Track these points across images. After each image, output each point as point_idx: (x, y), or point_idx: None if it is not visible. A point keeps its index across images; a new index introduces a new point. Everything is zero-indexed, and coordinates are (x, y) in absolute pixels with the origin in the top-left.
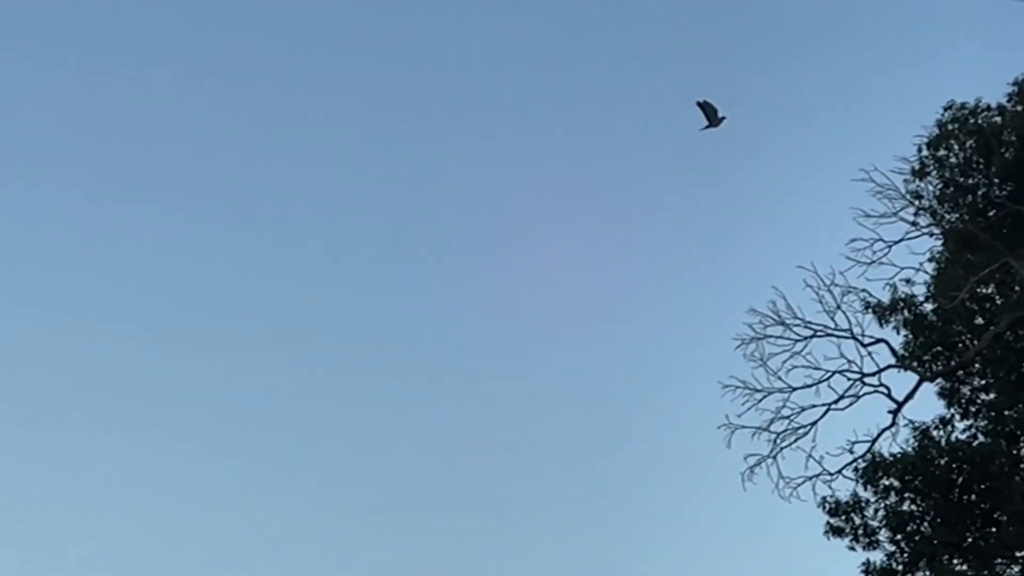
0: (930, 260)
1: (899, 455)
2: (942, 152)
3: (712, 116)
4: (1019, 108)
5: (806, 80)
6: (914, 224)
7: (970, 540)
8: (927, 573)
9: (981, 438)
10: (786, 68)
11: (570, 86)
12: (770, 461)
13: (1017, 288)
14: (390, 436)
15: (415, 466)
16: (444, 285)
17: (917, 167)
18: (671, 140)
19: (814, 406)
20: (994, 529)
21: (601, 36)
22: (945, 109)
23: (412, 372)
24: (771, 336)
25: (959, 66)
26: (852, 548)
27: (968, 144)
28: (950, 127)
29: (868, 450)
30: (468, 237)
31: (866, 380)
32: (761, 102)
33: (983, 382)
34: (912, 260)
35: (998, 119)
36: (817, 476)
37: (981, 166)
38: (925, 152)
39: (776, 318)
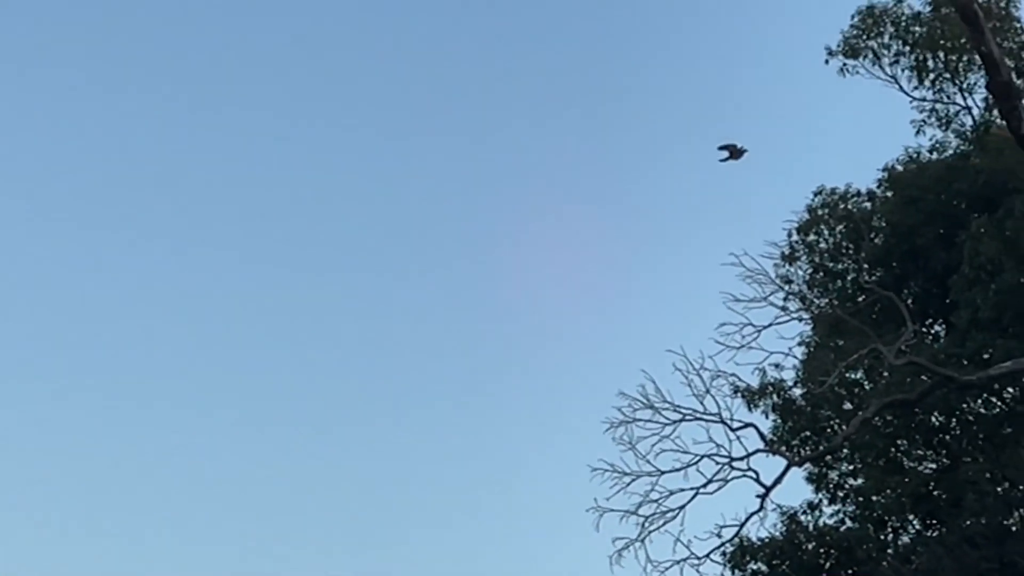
0: (799, 344)
1: (767, 539)
2: (812, 237)
3: (734, 151)
4: (888, 194)
5: (677, 163)
6: (784, 309)
7: None
8: None
9: (849, 523)
10: (659, 150)
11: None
12: (638, 545)
13: (885, 373)
14: None
15: None
16: None
17: (787, 252)
18: (541, 222)
19: (683, 490)
20: None
21: None
22: (815, 194)
23: None
24: (640, 420)
25: (830, 152)
26: None
27: (838, 229)
28: (820, 212)
29: (736, 534)
30: None
31: (734, 464)
32: (634, 184)
33: (851, 467)
34: (781, 345)
35: (868, 205)
36: (685, 560)
37: (851, 251)
38: (795, 237)
39: (645, 402)
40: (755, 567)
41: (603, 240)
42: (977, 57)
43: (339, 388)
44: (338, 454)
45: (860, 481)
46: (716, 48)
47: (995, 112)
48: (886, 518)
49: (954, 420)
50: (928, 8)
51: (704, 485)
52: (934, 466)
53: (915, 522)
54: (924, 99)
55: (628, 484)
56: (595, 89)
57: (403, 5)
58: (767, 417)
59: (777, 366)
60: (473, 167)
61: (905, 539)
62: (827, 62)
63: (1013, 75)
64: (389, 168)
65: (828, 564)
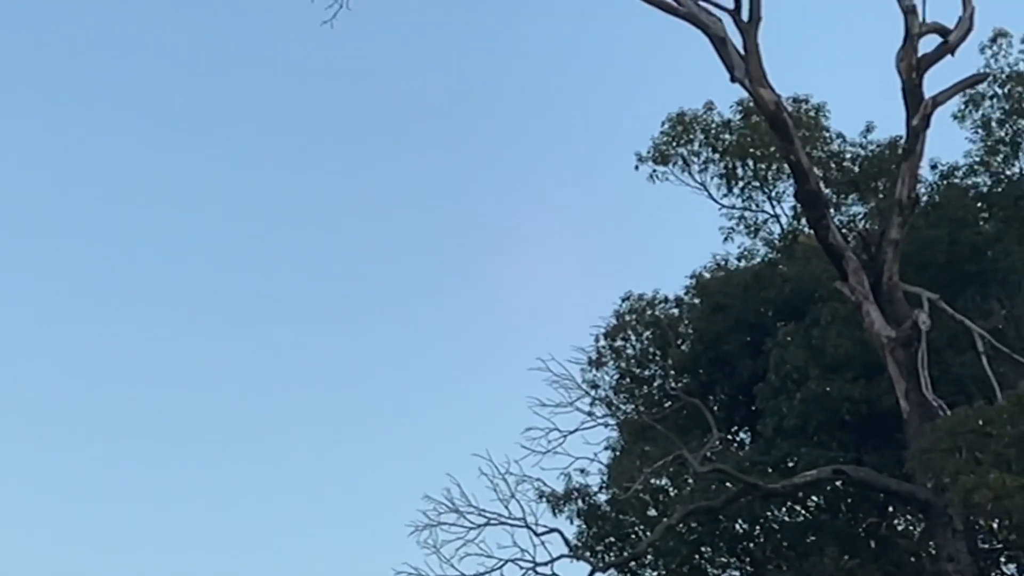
0: (605, 450)
1: None
2: (620, 343)
3: None
4: (696, 301)
5: (487, 266)
6: (590, 414)
7: None
8: None
9: None
10: (469, 250)
11: None
12: None
13: (690, 480)
14: None
15: None
16: None
17: (594, 357)
18: (346, 323)
19: None
20: None
21: None
22: (623, 300)
23: None
24: (445, 523)
25: (639, 258)
26: None
27: (645, 335)
28: (628, 318)
29: None
30: None
31: (539, 570)
32: (441, 285)
33: (655, 574)
34: (587, 450)
35: (675, 311)
36: None
37: (658, 357)
38: (603, 342)
39: (450, 505)
40: None
41: (413, 341)
42: (786, 165)
43: None
44: None
45: None
46: (524, 150)
47: (803, 220)
48: None
49: (758, 528)
50: (738, 116)
51: None
52: (738, 574)
53: None
54: (733, 206)
55: None
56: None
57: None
58: (572, 522)
59: (583, 471)
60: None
61: None
62: (637, 168)
63: (821, 184)
64: None
65: None
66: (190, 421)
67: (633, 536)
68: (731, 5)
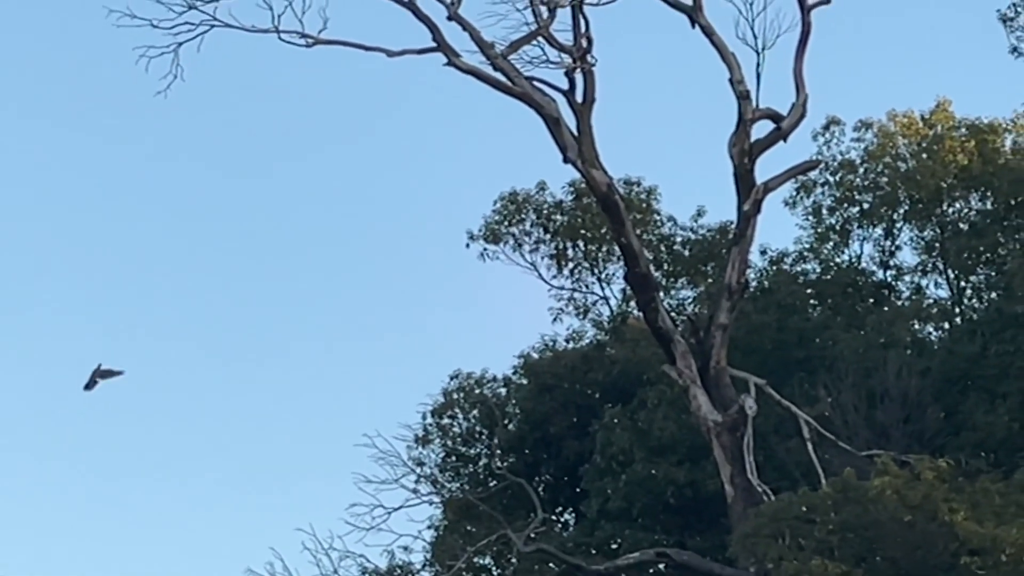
0: (429, 528)
1: None
2: (447, 420)
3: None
4: (524, 381)
5: (314, 338)
6: (415, 491)
7: None
8: None
9: None
10: (295, 324)
11: None
12: None
13: (514, 560)
14: None
15: None
16: None
17: (421, 434)
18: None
19: None
20: None
21: None
22: (452, 378)
23: None
24: None
25: (468, 336)
26: None
27: (472, 414)
28: (456, 396)
29: None
30: None
31: None
32: (262, 362)
33: None
34: (411, 527)
35: (503, 391)
36: None
37: (484, 436)
38: (430, 420)
39: None
40: None
41: (241, 413)
42: (617, 247)
43: None
44: None
45: None
46: (353, 223)
47: (632, 303)
48: None
49: None
50: (570, 196)
51: None
52: None
53: None
54: (563, 287)
55: None
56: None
57: None
58: None
59: (406, 548)
60: None
61: None
62: (468, 246)
63: (651, 267)
64: None
65: None
66: None
67: None
68: (565, 86)
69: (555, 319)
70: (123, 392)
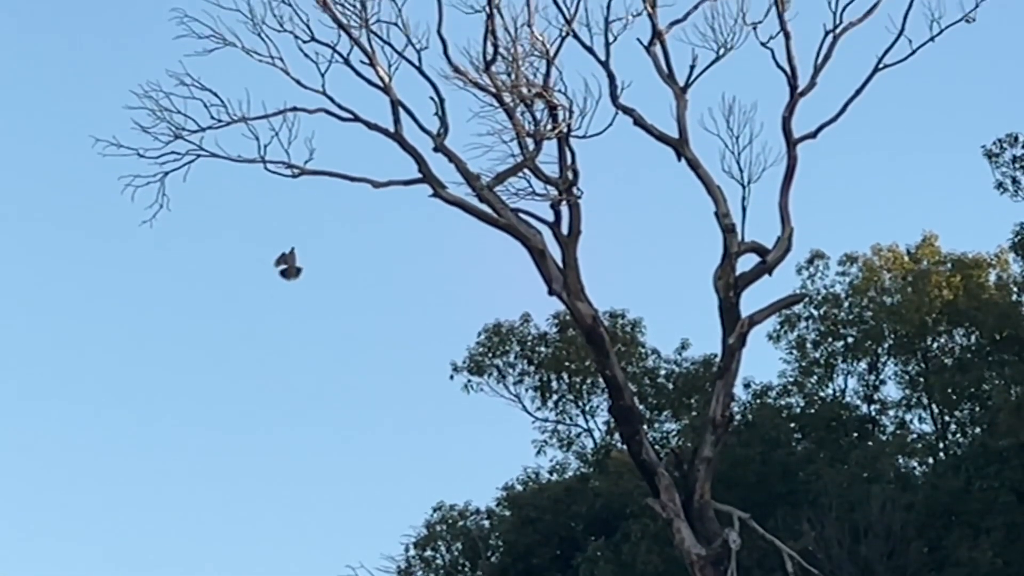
0: None
1: None
2: (429, 552)
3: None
4: (507, 513)
5: (296, 470)
6: None
7: None
8: None
9: None
10: (278, 455)
11: None
12: None
13: None
14: None
15: None
16: None
17: (404, 567)
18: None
19: None
20: None
21: None
22: (435, 510)
23: None
24: None
25: (450, 467)
26: None
27: (455, 546)
28: (439, 528)
29: None
30: None
31: None
32: (246, 488)
33: None
34: None
35: (486, 523)
36: None
37: (467, 569)
38: (412, 552)
39: None
40: None
41: (217, 539)
42: (601, 380)
43: None
44: None
45: None
46: (337, 355)
47: (616, 436)
48: None
49: None
50: (555, 329)
51: None
52: None
53: None
54: (547, 419)
55: None
56: None
57: None
58: None
59: None
60: None
61: None
62: (452, 378)
63: (636, 400)
64: None
65: None
66: None
67: None
68: (551, 218)
69: (539, 451)
70: None
